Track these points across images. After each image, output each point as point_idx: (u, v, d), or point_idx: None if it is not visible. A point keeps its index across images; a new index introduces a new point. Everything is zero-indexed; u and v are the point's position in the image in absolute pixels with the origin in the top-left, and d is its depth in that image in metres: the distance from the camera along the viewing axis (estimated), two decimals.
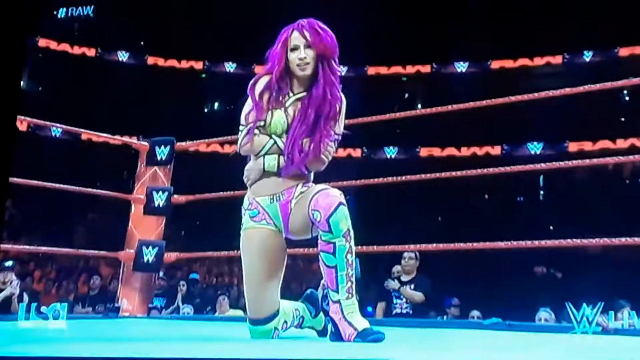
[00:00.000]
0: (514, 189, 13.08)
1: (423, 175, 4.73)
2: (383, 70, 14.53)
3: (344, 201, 2.43)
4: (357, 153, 14.04)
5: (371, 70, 14.48)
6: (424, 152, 13.86)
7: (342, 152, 13.47)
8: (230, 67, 14.85)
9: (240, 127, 2.55)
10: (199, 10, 13.42)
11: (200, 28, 13.49)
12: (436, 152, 13.76)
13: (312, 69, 2.50)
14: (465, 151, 13.56)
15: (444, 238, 4.77)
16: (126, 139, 8.26)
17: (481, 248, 4.63)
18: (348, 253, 2.41)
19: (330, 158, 2.55)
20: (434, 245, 4.67)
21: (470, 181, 9.94)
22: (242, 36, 12.80)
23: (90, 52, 14.41)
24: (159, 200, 5.32)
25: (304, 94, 2.55)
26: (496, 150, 13.51)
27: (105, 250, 5.52)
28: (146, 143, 5.53)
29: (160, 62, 14.73)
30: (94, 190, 6.06)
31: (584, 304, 3.01)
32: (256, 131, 2.50)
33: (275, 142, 2.51)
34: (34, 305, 2.56)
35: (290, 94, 2.56)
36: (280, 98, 2.53)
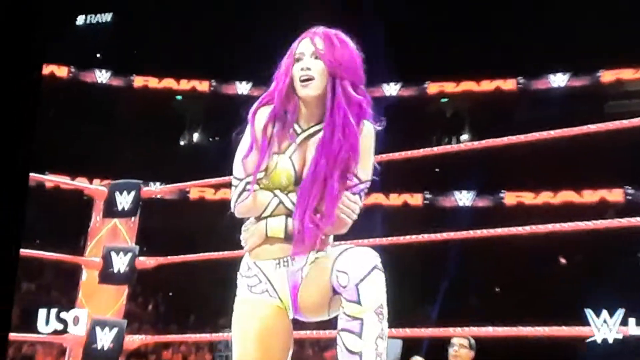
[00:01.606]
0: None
1: (507, 230, 4.74)
2: (449, 86, 14.43)
3: (381, 266, 2.41)
4: (416, 200, 13.89)
5: (433, 88, 14.45)
6: (510, 197, 13.62)
7: (393, 199, 13.44)
8: (214, 85, 15.05)
9: (233, 181, 2.54)
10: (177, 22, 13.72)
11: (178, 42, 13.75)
12: (527, 197, 13.53)
13: (320, 89, 2.49)
14: (574, 195, 13.19)
15: (509, 318, 4.73)
16: (77, 182, 8.34)
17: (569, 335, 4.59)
18: (379, 337, 2.37)
19: (354, 216, 2.52)
20: (493, 329, 4.65)
21: (570, 239, 9.43)
22: (243, 52, 13.02)
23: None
24: (120, 264, 5.34)
25: (317, 128, 2.54)
26: (616, 195, 13.19)
27: (44, 334, 5.51)
28: (103, 188, 5.59)
29: (117, 81, 14.94)
30: (30, 251, 5.97)
31: (604, 310, 3.05)
32: (255, 185, 2.50)
33: (281, 201, 2.51)
34: (53, 311, 2.59)
35: (298, 129, 2.55)
36: (285, 134, 2.52)
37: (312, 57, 2.51)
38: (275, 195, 2.52)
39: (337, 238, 2.62)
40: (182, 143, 16.27)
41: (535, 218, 6.80)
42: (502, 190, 13.86)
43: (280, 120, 2.55)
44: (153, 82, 15.30)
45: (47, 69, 14.46)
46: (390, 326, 2.47)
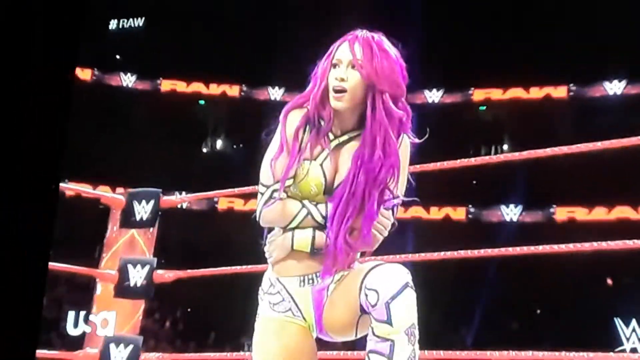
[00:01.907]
0: None
1: (556, 247, 4.74)
2: (496, 93, 14.39)
3: (412, 284, 2.40)
4: (459, 214, 13.82)
5: (478, 95, 14.43)
6: (561, 213, 13.51)
7: (433, 213, 13.38)
8: (244, 90, 15.11)
9: (260, 188, 2.53)
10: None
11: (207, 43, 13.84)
12: (580, 213, 13.38)
13: (353, 102, 2.46)
14: (630, 212, 13.00)
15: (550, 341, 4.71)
16: (92, 189, 8.39)
17: None
18: (410, 359, 2.34)
19: (386, 233, 2.52)
20: (532, 354, 4.64)
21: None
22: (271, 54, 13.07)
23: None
24: (137, 277, 5.36)
25: (353, 134, 2.52)
26: None
27: (57, 349, 5.54)
28: (121, 197, 5.61)
29: (143, 85, 15.08)
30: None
31: (634, 319, 3.04)
32: (282, 193, 2.49)
33: (309, 212, 2.50)
34: (82, 313, 2.63)
35: (331, 136, 2.53)
36: (318, 140, 2.50)
37: (349, 67, 2.48)
38: (304, 206, 2.50)
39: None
40: (204, 150, 16.37)
41: (587, 235, 6.72)
42: (553, 205, 13.74)
43: (314, 125, 2.53)
44: (181, 87, 15.41)
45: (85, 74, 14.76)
46: (421, 348, 2.45)
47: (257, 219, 2.56)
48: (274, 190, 2.50)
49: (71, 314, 2.76)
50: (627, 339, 5.14)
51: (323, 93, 2.52)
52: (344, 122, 2.54)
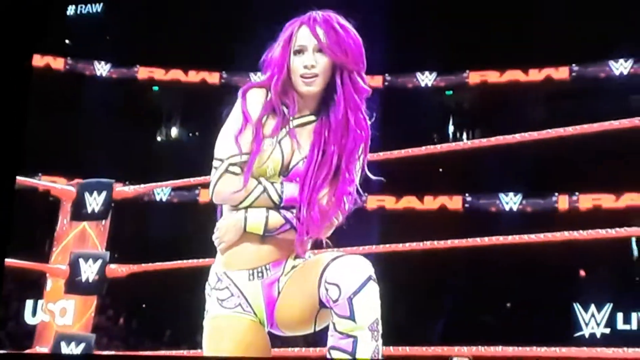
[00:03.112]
0: None
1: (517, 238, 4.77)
2: (493, 76, 14.22)
3: (375, 276, 2.41)
4: (455, 203, 13.71)
5: (474, 77, 14.36)
6: (562, 201, 13.42)
7: (429, 202, 13.33)
8: (196, 74, 15.00)
9: (215, 162, 2.54)
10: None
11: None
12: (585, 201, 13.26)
13: (322, 84, 2.53)
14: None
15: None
16: (42, 180, 8.28)
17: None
18: (374, 356, 2.37)
19: (342, 220, 2.54)
20: (502, 349, 4.69)
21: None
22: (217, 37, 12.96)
23: None
24: (89, 272, 5.34)
25: (311, 118, 2.58)
26: None
27: (5, 348, 5.50)
28: (71, 188, 5.57)
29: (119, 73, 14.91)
30: None
31: (592, 305, 3.18)
32: (236, 169, 2.51)
33: (265, 189, 2.50)
34: (40, 302, 2.63)
35: (291, 118, 2.56)
36: (277, 123, 2.53)
37: (315, 51, 2.52)
38: (260, 183, 2.51)
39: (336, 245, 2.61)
40: (159, 139, 16.24)
41: (596, 223, 6.80)
42: (555, 193, 13.72)
43: (273, 108, 2.55)
44: (159, 74, 15.23)
45: (42, 61, 14.53)
46: (385, 343, 2.45)
47: (210, 195, 2.56)
48: (230, 164, 2.51)
49: (29, 303, 2.78)
50: (586, 325, 5.35)
51: (284, 81, 2.55)
52: (304, 105, 2.57)
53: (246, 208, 2.52)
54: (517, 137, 5.40)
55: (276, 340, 2.63)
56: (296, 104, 2.58)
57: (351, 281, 2.37)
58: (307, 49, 2.52)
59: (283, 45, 2.55)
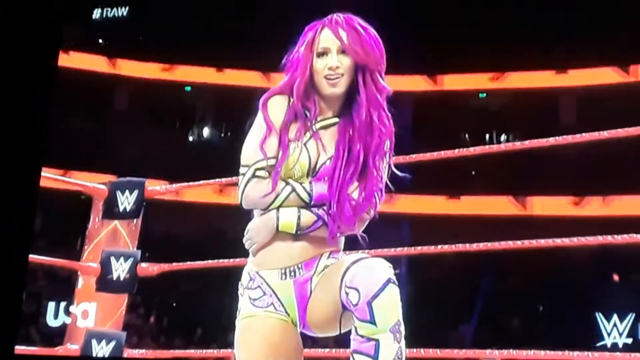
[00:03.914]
0: None
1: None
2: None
3: (394, 278, 2.40)
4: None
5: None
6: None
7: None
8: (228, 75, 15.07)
9: (241, 169, 2.55)
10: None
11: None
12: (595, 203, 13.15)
13: (346, 85, 2.53)
14: None
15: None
16: (73, 179, 8.36)
17: None
18: (397, 358, 2.36)
19: (372, 215, 2.54)
20: (534, 352, 4.68)
21: None
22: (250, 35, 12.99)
23: None
24: (120, 270, 5.36)
25: (335, 120, 2.59)
26: None
27: (36, 345, 5.55)
28: (103, 187, 5.61)
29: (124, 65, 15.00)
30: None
31: (615, 314, 3.14)
32: (263, 173, 2.51)
33: (294, 189, 2.52)
34: (62, 304, 2.66)
35: (314, 121, 2.57)
36: (301, 126, 2.55)
37: (339, 53, 2.54)
38: (288, 184, 2.52)
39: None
40: (191, 139, 16.32)
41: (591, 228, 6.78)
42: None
43: (297, 112, 2.57)
44: (192, 74, 15.30)
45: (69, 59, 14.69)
46: (412, 345, 2.45)
47: (239, 200, 2.57)
48: (257, 169, 2.53)
49: (51, 305, 2.78)
50: (609, 334, 5.41)
51: (307, 84, 2.57)
52: (327, 108, 2.60)
53: (277, 209, 2.53)
54: (551, 140, 5.36)
55: (307, 341, 2.64)
56: (317, 107, 2.59)
57: (370, 285, 2.36)
58: (330, 51, 2.53)
59: (305, 47, 2.57)
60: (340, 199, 2.50)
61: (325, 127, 2.59)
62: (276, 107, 2.57)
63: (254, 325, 2.56)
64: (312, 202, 2.53)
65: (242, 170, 2.56)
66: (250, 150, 2.55)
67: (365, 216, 2.58)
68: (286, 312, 2.56)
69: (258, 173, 2.53)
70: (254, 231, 2.59)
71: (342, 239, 2.61)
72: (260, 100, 2.60)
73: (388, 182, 2.63)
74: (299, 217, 2.52)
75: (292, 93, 2.57)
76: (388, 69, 2.60)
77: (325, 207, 2.53)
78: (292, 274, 2.55)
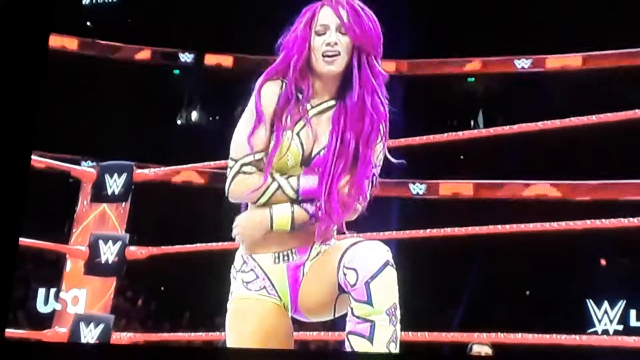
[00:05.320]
0: None
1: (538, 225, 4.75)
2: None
3: (392, 261, 2.41)
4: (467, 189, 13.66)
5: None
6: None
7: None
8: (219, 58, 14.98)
9: (229, 162, 2.54)
10: None
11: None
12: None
13: (343, 64, 2.50)
14: None
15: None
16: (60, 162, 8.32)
17: None
18: (391, 341, 2.38)
19: (364, 205, 2.52)
20: (522, 336, 4.69)
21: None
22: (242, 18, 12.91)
23: None
24: (108, 254, 5.36)
25: (331, 103, 2.55)
26: None
27: (25, 328, 5.53)
28: (92, 170, 5.59)
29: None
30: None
31: (605, 301, 3.17)
32: (249, 169, 2.51)
33: (279, 186, 2.50)
34: (53, 290, 2.64)
35: (308, 106, 2.54)
36: (294, 111, 2.52)
37: (338, 31, 2.52)
38: (274, 180, 2.50)
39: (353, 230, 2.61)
40: (179, 122, 16.25)
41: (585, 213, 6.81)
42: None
43: (291, 96, 2.54)
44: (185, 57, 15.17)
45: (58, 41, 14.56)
46: (405, 329, 2.45)
47: (226, 194, 2.56)
48: (243, 164, 2.51)
49: (41, 291, 2.77)
50: (599, 321, 5.49)
51: (304, 62, 2.54)
52: (322, 90, 2.56)
53: (270, 207, 2.51)
54: (540, 124, 5.37)
55: (295, 325, 2.63)
56: (311, 89, 2.56)
57: (369, 266, 2.37)
58: (329, 28, 2.51)
59: (304, 25, 2.54)
60: (330, 195, 2.48)
61: (320, 112, 2.56)
62: (269, 94, 2.55)
63: (246, 307, 2.56)
64: (300, 198, 2.52)
65: (229, 163, 2.55)
66: (238, 143, 2.54)
67: (357, 206, 2.56)
68: (278, 296, 2.55)
69: (244, 169, 2.52)
70: (245, 227, 2.56)
71: (335, 226, 2.60)
72: (256, 85, 2.57)
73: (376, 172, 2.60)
74: (292, 219, 2.50)
75: (286, 74, 2.55)
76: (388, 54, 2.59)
77: (318, 204, 2.52)
78: (286, 257, 2.54)
